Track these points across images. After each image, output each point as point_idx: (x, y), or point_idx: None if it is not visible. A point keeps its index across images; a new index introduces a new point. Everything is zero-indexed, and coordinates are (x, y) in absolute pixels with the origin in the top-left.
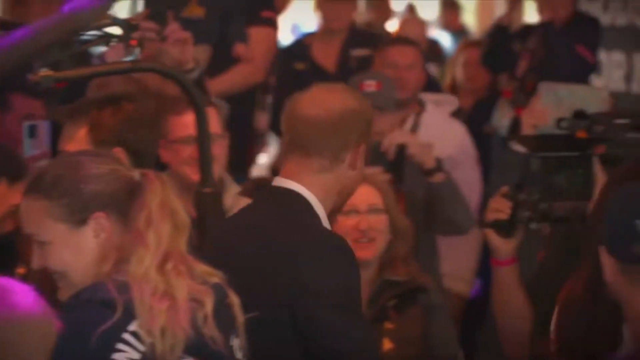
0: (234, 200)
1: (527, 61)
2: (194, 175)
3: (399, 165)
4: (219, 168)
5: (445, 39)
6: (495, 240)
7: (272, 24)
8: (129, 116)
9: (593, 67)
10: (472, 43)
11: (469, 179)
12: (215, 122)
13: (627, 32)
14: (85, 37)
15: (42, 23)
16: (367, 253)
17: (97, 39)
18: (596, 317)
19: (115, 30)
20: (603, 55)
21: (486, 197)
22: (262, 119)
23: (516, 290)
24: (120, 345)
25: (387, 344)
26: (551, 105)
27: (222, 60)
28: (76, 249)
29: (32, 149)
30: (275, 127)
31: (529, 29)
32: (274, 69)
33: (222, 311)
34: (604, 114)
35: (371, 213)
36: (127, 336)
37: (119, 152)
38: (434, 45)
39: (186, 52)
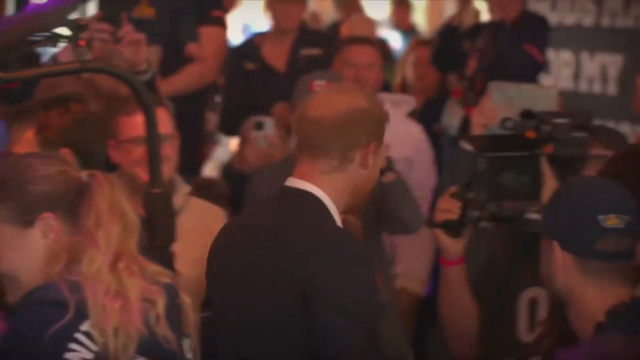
0: (184, 200)
1: (476, 60)
2: (144, 175)
3: None
4: (169, 168)
5: (395, 39)
6: (445, 240)
7: (222, 24)
8: (77, 117)
9: (542, 66)
10: (423, 42)
11: (425, 179)
12: (165, 123)
13: (575, 31)
14: (32, 38)
15: (4, 22)
16: None
17: (44, 39)
18: None
19: (64, 30)
20: (551, 54)
21: (436, 197)
22: (211, 119)
23: (464, 289)
24: (73, 345)
25: None
26: (501, 105)
27: (172, 61)
28: (24, 250)
29: None
30: (224, 127)
31: (478, 28)
32: (224, 68)
33: (173, 311)
34: (551, 113)
35: None
36: (79, 336)
37: (67, 153)
38: (382, 44)
39: (139, 53)
